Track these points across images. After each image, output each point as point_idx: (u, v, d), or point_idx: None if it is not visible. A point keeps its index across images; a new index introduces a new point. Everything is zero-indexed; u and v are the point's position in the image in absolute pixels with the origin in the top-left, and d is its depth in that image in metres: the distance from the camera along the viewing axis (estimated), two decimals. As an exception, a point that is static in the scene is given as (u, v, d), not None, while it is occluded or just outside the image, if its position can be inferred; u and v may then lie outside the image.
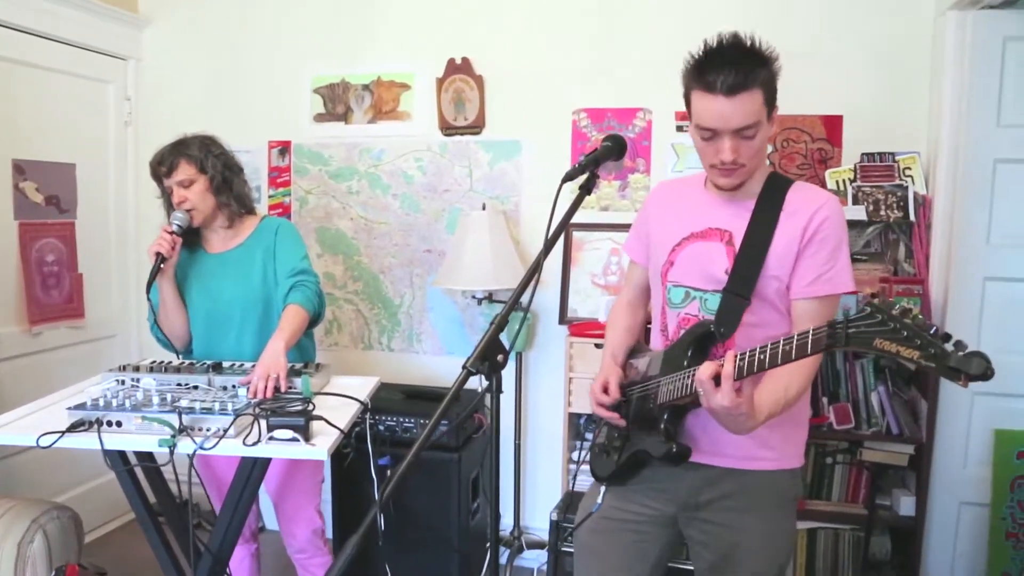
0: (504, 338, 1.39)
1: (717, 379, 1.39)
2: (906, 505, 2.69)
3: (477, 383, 3.35)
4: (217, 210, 2.31)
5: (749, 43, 1.51)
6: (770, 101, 1.51)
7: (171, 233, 2.18)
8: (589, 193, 1.59)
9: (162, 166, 2.22)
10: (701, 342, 1.59)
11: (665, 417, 1.61)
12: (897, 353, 1.12)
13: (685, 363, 1.56)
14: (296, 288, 2.29)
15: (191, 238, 2.32)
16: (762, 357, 1.36)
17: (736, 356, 1.38)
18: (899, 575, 2.80)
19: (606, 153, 1.62)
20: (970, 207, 2.69)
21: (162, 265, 2.17)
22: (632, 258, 1.89)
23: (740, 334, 1.57)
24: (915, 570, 2.73)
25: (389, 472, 1.25)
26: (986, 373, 1.05)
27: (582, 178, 1.58)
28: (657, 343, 1.76)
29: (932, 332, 1.10)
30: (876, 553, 2.79)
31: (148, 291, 2.19)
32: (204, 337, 2.33)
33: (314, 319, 2.34)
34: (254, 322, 2.34)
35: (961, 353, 1.07)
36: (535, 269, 1.46)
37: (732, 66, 1.46)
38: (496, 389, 1.42)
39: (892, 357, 1.14)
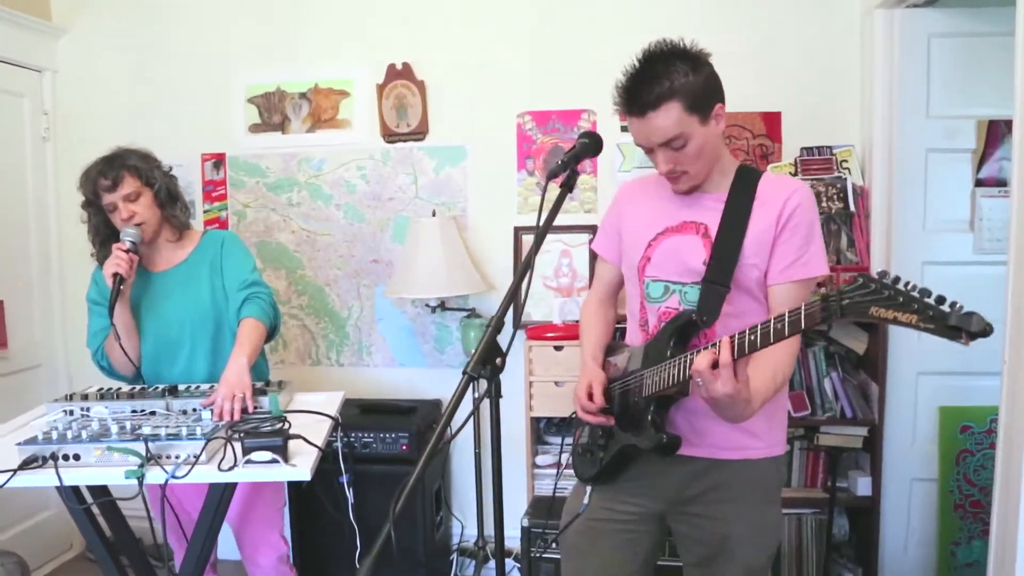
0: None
1: (713, 367, 1.38)
2: (862, 485, 2.77)
3: (440, 393, 3.29)
4: (163, 223, 2.20)
5: (668, 52, 1.53)
6: (698, 106, 1.52)
7: (126, 251, 2.05)
8: (571, 191, 1.59)
9: (105, 179, 2.08)
10: (683, 332, 1.60)
11: (651, 409, 1.60)
12: (895, 319, 1.13)
13: (668, 353, 1.56)
14: (249, 301, 2.20)
15: None
16: (752, 338, 1.35)
17: (732, 339, 1.37)
18: (857, 554, 2.89)
19: (584, 150, 1.64)
20: (905, 196, 2.81)
21: (121, 286, 2.03)
22: (602, 255, 1.88)
23: (720, 324, 1.59)
24: (872, 547, 2.82)
25: (398, 488, 1.19)
26: (985, 329, 1.06)
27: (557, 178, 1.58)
28: (637, 338, 1.75)
29: (928, 296, 1.11)
30: (835, 534, 2.87)
31: (111, 316, 2.03)
32: (153, 361, 2.20)
33: (270, 332, 2.26)
34: (206, 341, 2.23)
35: (959, 312, 1.08)
36: (526, 267, 1.44)
37: (642, 85, 1.51)
38: (496, 394, 1.37)
39: (889, 323, 1.15)
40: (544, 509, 2.74)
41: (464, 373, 1.31)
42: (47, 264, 3.39)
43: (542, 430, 3.08)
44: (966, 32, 2.71)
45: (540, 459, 2.98)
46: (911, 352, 2.79)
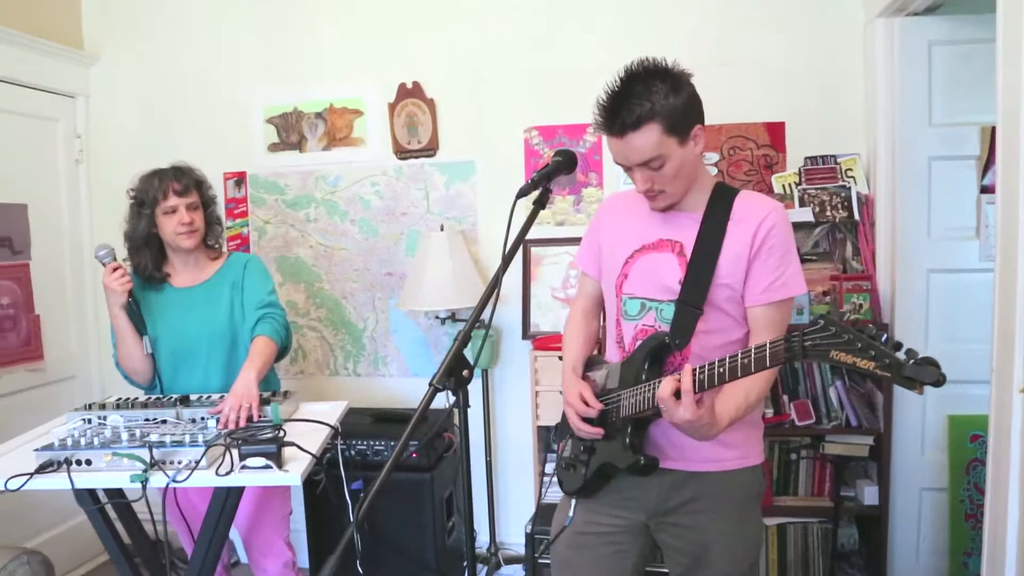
0: (468, 355, 1.42)
1: (677, 394, 1.43)
2: (870, 495, 2.77)
3: (444, 401, 3.39)
4: (202, 241, 2.36)
5: (651, 72, 1.54)
6: (676, 129, 1.53)
7: (114, 269, 2.22)
8: (543, 208, 1.64)
9: (178, 184, 2.25)
10: (656, 353, 1.63)
11: (629, 430, 1.63)
12: (854, 364, 1.16)
13: (644, 376, 1.60)
14: (264, 320, 2.32)
15: (157, 274, 2.34)
16: (721, 371, 1.40)
17: (695, 370, 1.42)
18: (867, 563, 2.88)
19: (557, 168, 1.67)
20: (909, 204, 2.80)
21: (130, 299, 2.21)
22: (583, 270, 1.92)
23: (695, 342, 1.62)
24: (882, 557, 2.81)
25: (362, 493, 1.27)
26: (938, 381, 1.09)
27: (535, 194, 1.64)
28: (614, 355, 1.78)
29: (883, 341, 1.13)
30: (844, 544, 2.87)
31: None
32: (171, 372, 2.32)
33: (281, 352, 2.36)
34: (221, 355, 2.34)
35: (913, 362, 1.10)
36: (494, 285, 1.50)
37: (621, 105, 1.52)
38: (463, 404, 1.44)
39: (849, 368, 1.17)
40: (550, 516, 2.79)
41: (430, 385, 1.38)
42: (81, 281, 3.56)
43: (551, 438, 3.13)
44: (966, 39, 2.69)
45: (548, 467, 3.03)
46: (917, 361, 2.77)
